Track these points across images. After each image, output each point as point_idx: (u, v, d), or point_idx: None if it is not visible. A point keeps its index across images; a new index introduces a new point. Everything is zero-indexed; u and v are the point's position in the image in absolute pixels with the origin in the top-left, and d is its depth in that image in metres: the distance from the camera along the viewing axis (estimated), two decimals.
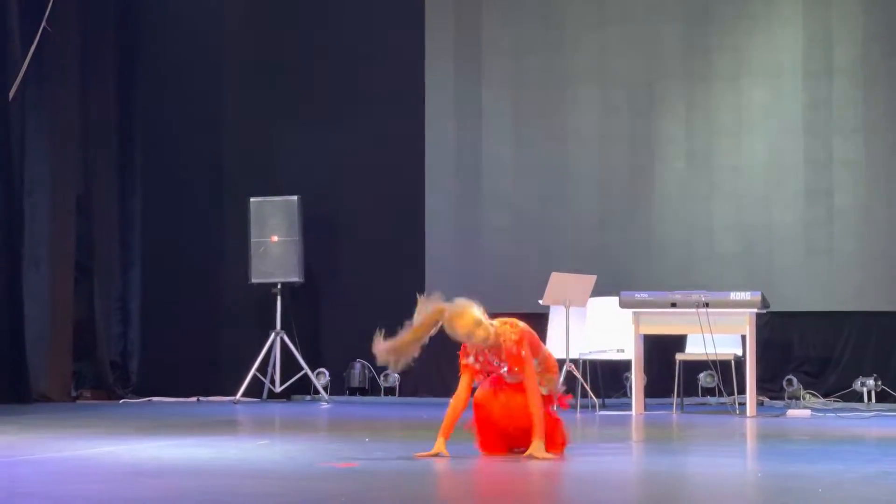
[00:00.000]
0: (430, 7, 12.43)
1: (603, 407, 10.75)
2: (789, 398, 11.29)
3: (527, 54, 12.21)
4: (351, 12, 12.71)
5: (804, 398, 11.29)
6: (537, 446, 6.44)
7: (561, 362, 10.48)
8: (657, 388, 11.14)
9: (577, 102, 12.09)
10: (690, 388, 11.30)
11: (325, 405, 11.62)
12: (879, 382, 11.20)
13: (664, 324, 10.32)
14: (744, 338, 10.17)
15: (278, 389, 12.08)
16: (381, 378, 12.28)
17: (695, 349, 10.44)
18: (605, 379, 11.28)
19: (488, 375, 6.68)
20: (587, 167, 12.04)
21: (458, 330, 6.46)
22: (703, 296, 10.07)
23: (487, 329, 6.50)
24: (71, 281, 12.08)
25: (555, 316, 11.02)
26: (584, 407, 10.60)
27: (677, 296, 10.18)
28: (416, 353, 6.55)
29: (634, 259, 11.79)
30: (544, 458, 6.37)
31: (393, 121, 12.45)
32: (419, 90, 12.35)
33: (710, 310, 9.96)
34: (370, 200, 12.47)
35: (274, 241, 12.12)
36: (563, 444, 6.70)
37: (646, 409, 10.37)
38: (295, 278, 12.11)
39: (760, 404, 10.70)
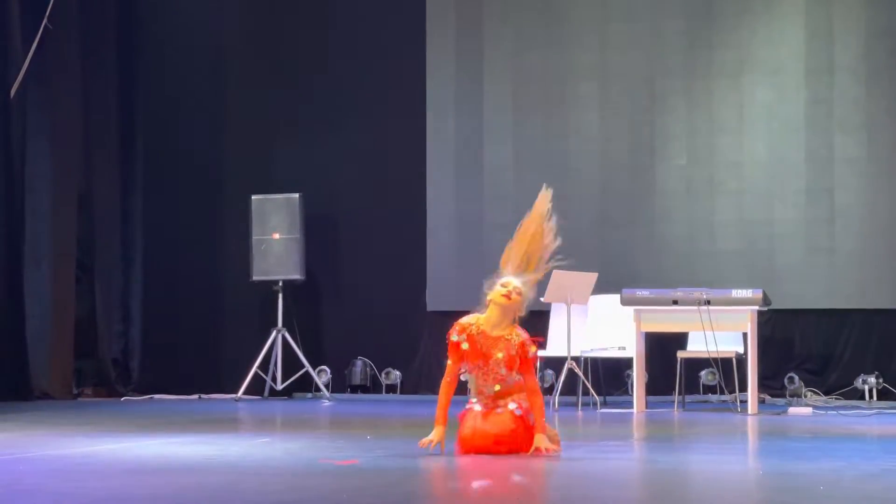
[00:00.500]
0: (432, 4, 12.42)
1: (604, 405, 10.74)
2: (791, 396, 11.29)
3: (528, 51, 12.20)
4: (352, 9, 12.70)
5: (805, 396, 11.29)
6: (540, 439, 6.44)
7: (562, 360, 10.50)
8: (659, 385, 11.14)
9: (579, 99, 12.08)
10: (692, 386, 11.30)
11: (326, 403, 11.62)
12: (881, 380, 11.19)
13: (666, 321, 10.32)
14: (745, 335, 10.16)
15: (280, 387, 12.08)
16: (383, 376, 12.28)
17: (696, 347, 10.44)
18: (607, 377, 11.28)
19: (476, 362, 6.60)
20: (588, 164, 12.04)
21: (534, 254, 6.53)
22: (704, 293, 10.07)
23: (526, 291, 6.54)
24: (72, 279, 12.09)
25: (556, 314, 11.02)
26: (585, 405, 10.60)
27: (679, 293, 10.18)
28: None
29: (636, 256, 11.79)
30: (549, 450, 6.36)
31: (394, 118, 12.45)
32: (420, 87, 12.35)
33: (711, 307, 9.96)
34: (371, 198, 12.47)
35: (275, 238, 12.12)
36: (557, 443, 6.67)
37: (647, 406, 10.37)
38: (296, 276, 12.11)
39: (762, 402, 10.70)
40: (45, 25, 11.53)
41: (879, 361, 11.33)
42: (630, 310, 10.30)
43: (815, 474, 5.72)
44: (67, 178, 12.10)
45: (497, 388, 6.59)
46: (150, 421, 9.03)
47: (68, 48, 12.04)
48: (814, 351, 11.58)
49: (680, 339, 10.87)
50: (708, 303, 9.98)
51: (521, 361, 6.58)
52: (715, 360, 10.29)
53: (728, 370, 10.58)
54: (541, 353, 10.66)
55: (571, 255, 11.66)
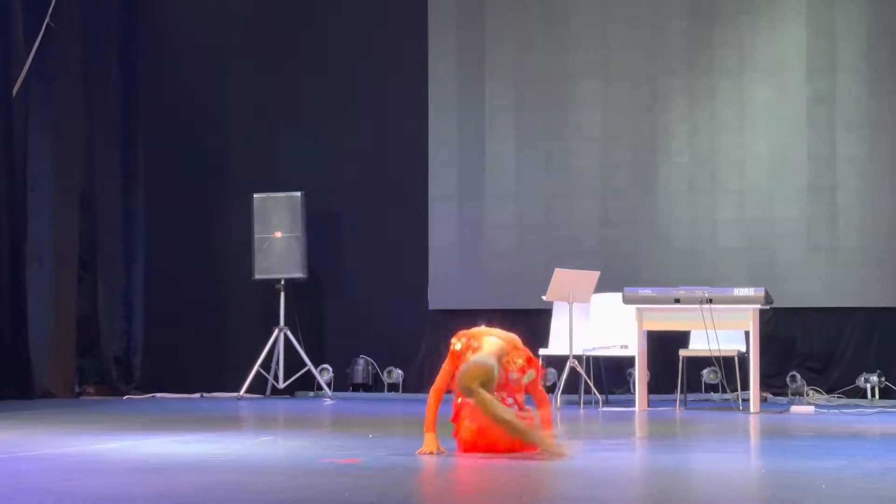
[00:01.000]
0: (434, 3, 12.42)
1: (606, 403, 10.74)
2: (793, 394, 11.28)
3: (530, 50, 12.19)
4: (354, 8, 12.70)
5: (807, 394, 11.28)
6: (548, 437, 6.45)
7: (564, 358, 10.50)
8: (661, 384, 11.14)
9: (581, 98, 12.08)
10: (694, 384, 11.29)
11: (328, 401, 11.62)
12: (883, 379, 11.18)
13: (668, 320, 10.31)
14: (747, 334, 10.16)
15: (282, 386, 12.08)
16: (385, 374, 12.28)
17: (698, 345, 10.43)
18: (609, 375, 11.27)
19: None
20: (590, 163, 12.03)
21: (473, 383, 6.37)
22: (706, 292, 10.06)
23: (494, 373, 6.42)
24: (74, 277, 12.10)
25: (558, 312, 11.02)
26: (587, 403, 10.60)
27: (681, 292, 10.17)
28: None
29: (638, 255, 11.78)
30: (558, 449, 6.35)
31: (396, 117, 12.44)
32: (422, 86, 12.34)
33: (713, 306, 9.96)
34: (373, 196, 12.47)
35: (277, 237, 12.12)
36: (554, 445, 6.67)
37: (649, 405, 10.36)
38: (298, 274, 12.11)
39: (764, 400, 10.69)
40: (48, 24, 11.53)
41: (881, 360, 11.32)
42: (632, 308, 10.30)
43: (817, 473, 5.72)
44: (69, 177, 12.11)
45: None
46: (151, 419, 9.03)
47: (70, 46, 12.05)
48: (816, 349, 11.57)
49: (682, 338, 10.86)
50: (710, 301, 9.98)
51: (528, 386, 6.62)
52: (717, 358, 10.29)
53: (730, 369, 10.58)
54: (543, 351, 10.73)
55: (573, 253, 11.74)
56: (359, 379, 12.31)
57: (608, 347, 10.74)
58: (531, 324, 10.98)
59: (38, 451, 6.64)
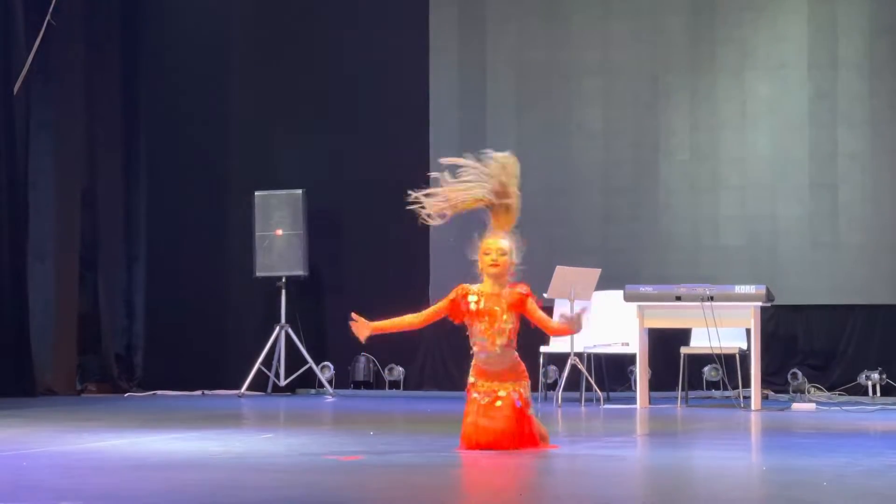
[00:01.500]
0: (435, 0, 12.41)
1: (608, 400, 10.75)
2: (794, 392, 11.28)
3: (531, 47, 12.20)
4: (355, 5, 12.69)
5: (809, 392, 11.28)
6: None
7: (565, 356, 10.50)
8: (662, 381, 11.14)
9: (582, 95, 12.08)
10: (695, 382, 11.30)
11: (329, 399, 11.63)
12: (884, 376, 11.19)
13: (669, 317, 10.32)
14: (748, 331, 10.16)
15: (283, 383, 12.09)
16: (386, 372, 12.29)
17: (699, 343, 10.44)
18: (610, 372, 11.28)
19: (482, 319, 6.63)
20: (591, 160, 12.03)
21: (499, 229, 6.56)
22: (707, 289, 10.06)
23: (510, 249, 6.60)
24: (76, 275, 12.10)
25: (559, 309, 11.00)
26: (588, 401, 10.60)
27: (682, 289, 10.17)
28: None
29: (639, 252, 11.78)
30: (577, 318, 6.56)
31: (397, 114, 12.44)
32: (423, 83, 12.34)
33: (714, 303, 9.96)
34: (374, 194, 12.46)
35: (278, 234, 12.13)
36: (544, 437, 6.67)
37: (650, 402, 10.37)
38: (299, 272, 12.12)
39: (765, 398, 10.70)
40: (49, 21, 11.52)
41: (883, 357, 11.33)
42: (633, 306, 10.30)
43: (818, 470, 5.72)
44: (71, 175, 12.11)
45: (501, 350, 6.58)
46: (153, 417, 9.03)
47: (72, 44, 12.05)
48: (817, 347, 11.58)
49: (683, 335, 10.86)
50: (711, 299, 9.98)
51: (519, 302, 6.62)
52: (718, 356, 10.29)
53: (731, 366, 10.58)
54: (544, 349, 10.74)
55: (574, 250, 11.74)
56: (360, 376, 12.32)
57: (609, 345, 10.75)
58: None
59: (40, 448, 6.64)
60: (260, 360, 11.90)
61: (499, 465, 6.03)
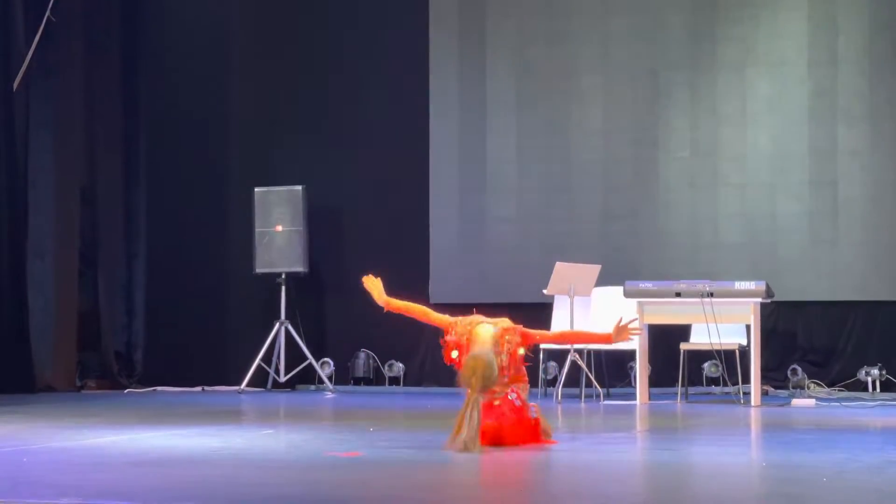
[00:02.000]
0: None
1: (608, 396, 10.75)
2: (794, 388, 11.29)
3: (531, 44, 12.19)
4: (355, 3, 12.69)
5: (808, 388, 11.29)
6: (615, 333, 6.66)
7: (565, 352, 10.50)
8: (662, 377, 11.15)
9: (582, 92, 12.08)
10: (695, 378, 11.30)
11: (329, 395, 11.63)
12: (884, 372, 11.19)
13: (669, 313, 10.32)
14: (748, 327, 10.16)
15: (283, 379, 12.09)
16: (386, 368, 12.28)
17: (699, 339, 10.44)
18: (610, 368, 11.28)
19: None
20: (591, 157, 12.03)
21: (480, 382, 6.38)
22: (707, 285, 10.06)
23: (493, 366, 6.46)
24: (75, 272, 12.10)
25: (559, 306, 11.02)
26: (588, 397, 10.60)
27: (682, 285, 10.17)
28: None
29: (639, 249, 11.78)
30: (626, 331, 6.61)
31: (397, 111, 12.44)
32: (423, 79, 12.34)
33: (714, 299, 9.96)
34: (374, 190, 12.46)
35: (278, 231, 12.12)
36: (547, 433, 6.67)
37: (650, 398, 10.37)
38: (299, 268, 12.11)
39: (765, 394, 10.70)
40: (49, 18, 11.52)
41: (882, 353, 11.33)
42: (633, 302, 10.30)
43: (817, 466, 5.72)
44: (70, 171, 12.10)
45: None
46: (153, 413, 9.04)
47: (71, 41, 12.04)
48: (817, 343, 11.58)
49: (683, 332, 10.87)
50: (711, 295, 9.98)
51: (517, 352, 6.62)
52: (718, 352, 10.30)
53: (731, 362, 10.58)
54: (544, 345, 10.73)
55: (574, 247, 11.74)
56: (360, 372, 12.32)
57: None
58: (532, 317, 10.94)
59: (40, 444, 6.64)
60: (260, 356, 11.90)
61: (498, 461, 6.03)
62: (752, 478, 5.57)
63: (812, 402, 10.21)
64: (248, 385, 11.79)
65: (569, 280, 10.45)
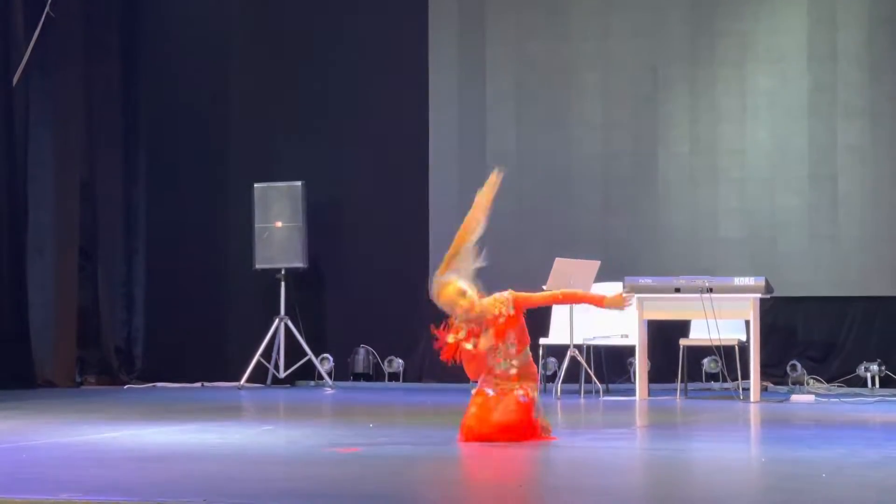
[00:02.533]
0: None
1: (607, 392, 10.75)
2: (793, 383, 11.29)
3: (531, 39, 12.18)
4: None
5: (808, 383, 11.29)
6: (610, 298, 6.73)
7: (565, 348, 10.50)
8: (661, 373, 11.14)
9: (581, 88, 12.07)
10: (694, 374, 11.30)
11: (329, 391, 11.63)
12: (883, 368, 11.19)
13: (668, 309, 10.32)
14: (748, 323, 10.16)
15: (282, 375, 12.09)
16: (385, 364, 12.28)
17: (699, 334, 10.44)
18: (609, 364, 11.28)
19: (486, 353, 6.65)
20: (591, 152, 12.02)
21: (442, 298, 6.51)
22: (706, 281, 10.06)
23: (471, 300, 6.55)
24: (75, 267, 12.10)
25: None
26: (588, 393, 10.60)
27: (681, 281, 10.17)
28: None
29: (638, 244, 11.78)
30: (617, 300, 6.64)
31: (397, 106, 12.43)
32: (423, 75, 12.33)
33: (713, 295, 9.95)
34: (374, 186, 12.46)
35: (278, 226, 12.12)
36: (546, 428, 6.68)
37: (650, 394, 10.37)
38: (299, 264, 12.11)
39: (764, 389, 10.70)
40: (48, 13, 11.51)
41: (882, 349, 11.33)
42: (633, 297, 10.29)
43: (817, 462, 5.72)
44: (70, 167, 12.10)
45: (511, 365, 6.60)
46: (152, 409, 9.04)
47: (71, 37, 12.03)
48: (816, 338, 11.58)
49: (682, 327, 10.87)
50: (710, 291, 9.98)
51: (513, 316, 6.63)
52: (717, 347, 10.29)
53: (730, 358, 10.58)
54: (543, 340, 10.74)
55: (574, 242, 11.74)
56: (359, 368, 12.32)
57: (608, 337, 10.74)
58: (532, 313, 10.92)
59: (40, 440, 6.64)
60: (259, 352, 11.90)
61: (498, 457, 6.04)
62: (751, 473, 5.58)
63: (811, 397, 10.21)
64: (247, 381, 11.79)
65: (568, 275, 10.44)
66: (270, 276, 12.20)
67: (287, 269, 12.13)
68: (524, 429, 6.53)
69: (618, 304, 6.85)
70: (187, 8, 12.84)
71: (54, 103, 11.89)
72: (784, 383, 11.34)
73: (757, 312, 10.03)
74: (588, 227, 11.91)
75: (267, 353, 12.00)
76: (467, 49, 12.30)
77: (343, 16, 12.67)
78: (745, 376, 10.20)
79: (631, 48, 11.98)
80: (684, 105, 11.87)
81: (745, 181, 11.69)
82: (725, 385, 10.97)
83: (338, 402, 10.25)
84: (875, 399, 10.30)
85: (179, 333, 12.40)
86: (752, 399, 9.93)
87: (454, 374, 11.11)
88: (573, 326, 10.41)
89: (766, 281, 10.06)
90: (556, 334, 10.86)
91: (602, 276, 10.67)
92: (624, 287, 10.29)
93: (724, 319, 10.02)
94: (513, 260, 11.94)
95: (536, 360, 10.66)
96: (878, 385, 11.15)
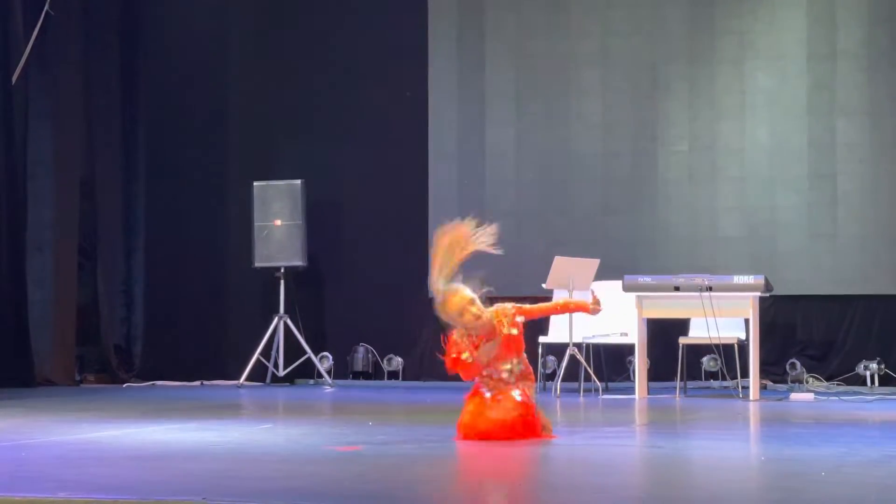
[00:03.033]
0: None
1: (606, 391, 10.75)
2: (792, 382, 11.29)
3: (530, 37, 12.18)
4: None
5: (807, 382, 11.29)
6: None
7: (564, 346, 10.50)
8: (660, 371, 11.14)
9: (581, 86, 12.07)
10: (694, 372, 11.30)
11: (328, 389, 11.63)
12: (882, 366, 11.19)
13: (667, 307, 10.31)
14: (747, 321, 10.16)
15: (282, 373, 12.09)
16: (385, 362, 12.29)
17: (698, 333, 10.44)
18: (609, 363, 11.27)
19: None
20: (590, 151, 12.02)
21: (450, 308, 6.52)
22: (706, 279, 10.06)
23: (481, 309, 6.57)
24: (74, 265, 12.09)
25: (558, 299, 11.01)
26: (587, 391, 10.60)
27: (680, 279, 10.17)
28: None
29: (638, 243, 11.78)
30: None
31: (396, 104, 12.43)
32: (423, 73, 12.33)
33: (713, 293, 9.95)
34: (373, 184, 12.46)
35: (277, 225, 12.12)
36: (547, 427, 6.68)
37: (649, 392, 10.37)
38: (298, 262, 12.11)
39: (763, 388, 10.70)
40: (47, 11, 11.50)
41: (881, 347, 11.33)
42: (632, 296, 10.30)
43: (816, 460, 5.73)
44: (70, 164, 12.10)
45: (510, 372, 6.61)
46: (152, 407, 9.04)
47: (70, 34, 12.02)
48: (815, 337, 11.58)
49: (682, 326, 10.87)
50: (710, 289, 9.98)
51: (515, 339, 6.63)
52: (717, 346, 10.30)
53: (730, 356, 10.58)
54: (543, 339, 10.75)
55: (573, 241, 11.74)
56: (359, 367, 12.32)
57: (608, 335, 10.74)
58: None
59: (39, 438, 6.64)
60: (259, 350, 11.90)
61: (497, 455, 6.04)
62: (750, 472, 5.58)
63: (811, 396, 10.21)
64: (246, 379, 11.79)
65: (568, 274, 10.44)
66: (270, 274, 12.20)
67: (286, 268, 12.14)
68: (524, 426, 6.53)
69: (590, 311, 6.91)
70: (187, 6, 12.83)
71: (54, 101, 11.88)
72: (783, 382, 11.35)
73: (756, 311, 10.03)
74: (587, 226, 11.91)
75: (266, 352, 12.00)
76: (467, 47, 12.30)
77: (342, 13, 12.66)
78: (745, 375, 10.20)
79: (630, 46, 11.98)
80: (683, 103, 11.87)
81: (744, 179, 11.69)
82: (725, 383, 10.98)
83: (337, 401, 10.26)
84: (874, 397, 10.30)
85: (179, 332, 12.40)
86: (751, 397, 9.93)
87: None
88: (572, 325, 10.41)
89: (766, 279, 10.06)
90: (556, 333, 10.86)
91: (601, 275, 10.67)
92: (624, 286, 10.30)
93: (723, 318, 10.01)
94: (512, 259, 11.93)
95: (536, 359, 10.72)
96: (877, 383, 11.15)
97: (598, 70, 12.04)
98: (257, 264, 12.21)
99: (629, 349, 10.87)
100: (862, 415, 8.57)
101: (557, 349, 11.04)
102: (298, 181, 12.10)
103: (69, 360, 11.89)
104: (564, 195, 12.07)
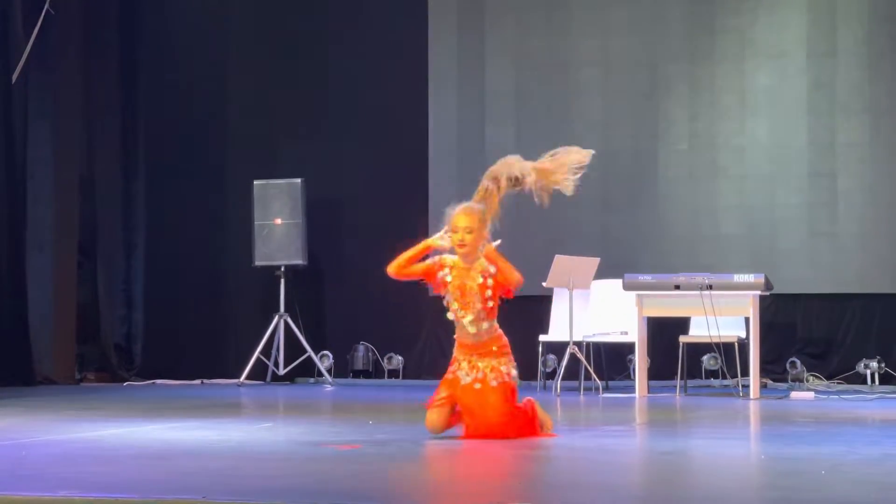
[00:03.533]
0: None
1: (606, 389, 10.75)
2: (793, 380, 11.29)
3: (530, 36, 12.18)
4: None
5: (807, 380, 11.29)
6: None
7: (564, 345, 10.50)
8: (661, 370, 11.14)
9: (581, 84, 12.07)
10: (694, 371, 11.30)
11: (328, 388, 11.63)
12: (883, 365, 11.20)
13: (668, 306, 10.32)
14: (747, 320, 10.17)
15: (282, 372, 12.09)
16: (385, 361, 12.29)
17: (698, 331, 10.44)
18: (609, 361, 11.28)
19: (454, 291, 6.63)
20: (590, 149, 11.99)
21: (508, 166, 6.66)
22: (706, 278, 10.07)
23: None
24: (74, 264, 12.10)
25: (558, 298, 11.02)
26: (587, 390, 10.61)
27: (681, 278, 10.18)
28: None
29: (638, 241, 11.78)
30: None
31: (396, 102, 12.43)
32: (423, 71, 12.33)
33: (713, 292, 9.96)
34: (373, 182, 12.46)
35: (277, 223, 12.12)
36: (547, 426, 6.67)
37: (649, 391, 10.37)
38: (298, 261, 12.11)
39: (764, 386, 10.70)
40: (47, 10, 11.50)
41: (881, 346, 11.33)
42: (632, 294, 10.30)
43: (816, 459, 5.72)
44: (69, 163, 12.10)
45: (472, 326, 6.56)
46: (152, 406, 9.04)
47: (70, 33, 12.03)
48: (816, 335, 11.58)
49: (682, 324, 10.87)
50: (710, 287, 9.98)
51: (498, 284, 6.62)
52: (717, 344, 10.30)
53: (730, 355, 10.58)
54: (543, 337, 10.75)
55: (573, 239, 11.74)
56: (359, 365, 12.32)
57: (608, 334, 10.75)
58: (531, 310, 10.99)
59: (39, 437, 6.64)
60: (259, 349, 11.90)
61: (498, 454, 6.04)
62: (750, 470, 5.58)
63: (811, 394, 10.21)
64: (247, 378, 11.80)
65: (568, 273, 10.45)
66: (270, 272, 12.20)
67: (286, 266, 12.14)
68: (521, 425, 6.51)
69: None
70: (187, 4, 12.83)
71: (54, 100, 11.89)
72: (783, 380, 11.35)
73: (756, 309, 10.04)
74: (588, 224, 11.91)
75: (266, 350, 12.00)
76: (467, 46, 12.30)
77: (343, 13, 12.67)
78: (745, 373, 10.20)
79: (630, 45, 11.98)
80: (684, 102, 11.87)
81: (744, 178, 11.69)
82: (725, 382, 10.98)
83: (337, 399, 10.26)
84: (874, 396, 10.30)
85: (179, 330, 12.41)
86: (751, 396, 9.93)
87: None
88: (573, 323, 10.41)
89: (766, 278, 10.06)
90: (556, 331, 10.86)
91: (602, 273, 10.68)
92: (624, 285, 10.30)
93: (723, 316, 10.02)
94: (512, 257, 11.92)
95: (536, 358, 10.73)
96: (877, 382, 11.15)
97: (598, 69, 12.04)
98: (257, 263, 12.21)
99: (629, 348, 10.88)
100: (862, 413, 8.57)
101: (557, 348, 11.04)
102: (298, 180, 12.11)
103: (69, 359, 11.90)
104: (564, 194, 12.04)
